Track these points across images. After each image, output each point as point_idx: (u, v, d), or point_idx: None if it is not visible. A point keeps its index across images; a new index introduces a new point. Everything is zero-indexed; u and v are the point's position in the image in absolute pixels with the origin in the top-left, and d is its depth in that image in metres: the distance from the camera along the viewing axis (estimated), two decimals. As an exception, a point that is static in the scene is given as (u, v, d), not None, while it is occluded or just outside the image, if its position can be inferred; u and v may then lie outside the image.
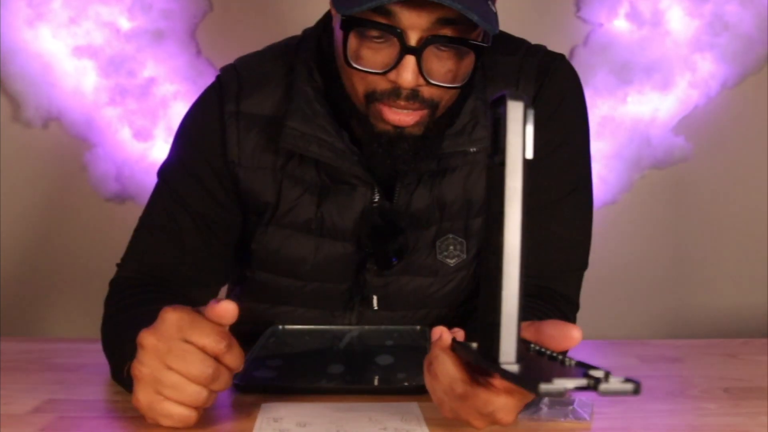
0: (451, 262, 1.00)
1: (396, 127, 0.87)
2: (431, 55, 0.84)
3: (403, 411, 0.78)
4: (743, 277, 2.04)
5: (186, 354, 0.69)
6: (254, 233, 1.01)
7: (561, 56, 1.02)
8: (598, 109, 1.95)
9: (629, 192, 2.00)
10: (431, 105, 0.87)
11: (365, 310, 1.03)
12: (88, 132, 1.94)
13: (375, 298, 1.01)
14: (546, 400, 0.82)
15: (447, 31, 0.83)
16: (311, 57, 0.97)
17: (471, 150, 0.95)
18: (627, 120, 1.96)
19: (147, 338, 0.70)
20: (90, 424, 0.77)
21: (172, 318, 0.69)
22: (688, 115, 1.99)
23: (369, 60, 0.85)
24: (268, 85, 0.98)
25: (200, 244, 1.00)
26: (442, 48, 0.84)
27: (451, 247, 0.99)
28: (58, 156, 1.97)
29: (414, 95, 0.85)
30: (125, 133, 1.93)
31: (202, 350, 0.69)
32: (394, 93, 0.85)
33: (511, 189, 0.55)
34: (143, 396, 0.71)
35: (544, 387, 0.51)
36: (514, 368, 0.56)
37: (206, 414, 0.80)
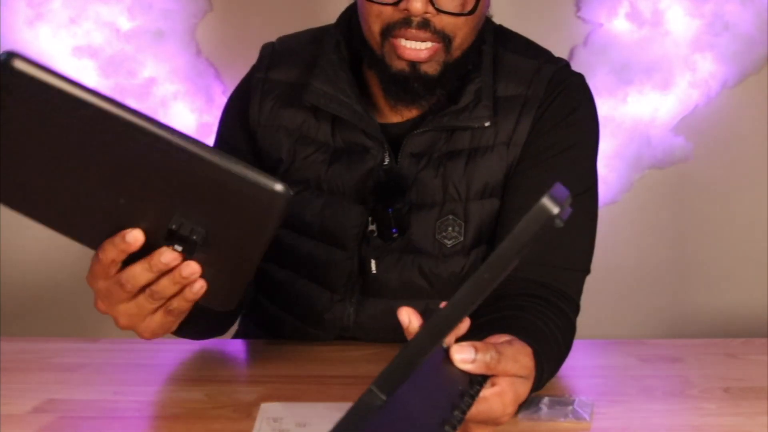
0: (449, 243, 1.01)
1: (411, 63, 0.92)
2: None
3: (403, 411, 0.78)
4: (743, 277, 2.04)
5: None
6: None
7: (580, 74, 1.07)
8: (598, 109, 1.95)
9: (629, 192, 2.00)
10: (444, 38, 0.92)
11: (365, 298, 1.03)
12: (88, 132, 1.94)
13: (373, 262, 1.01)
14: (546, 399, 0.81)
15: None
16: (340, 31, 1.03)
17: (475, 126, 0.99)
18: (627, 120, 1.96)
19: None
20: (90, 424, 0.77)
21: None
22: (688, 115, 1.98)
23: None
24: (297, 57, 1.06)
25: None
26: None
27: (450, 228, 1.01)
28: (58, 156, 1.97)
29: (425, 23, 0.91)
30: (125, 133, 1.92)
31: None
32: (406, 21, 0.91)
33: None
34: None
35: None
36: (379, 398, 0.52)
37: (206, 414, 0.80)
